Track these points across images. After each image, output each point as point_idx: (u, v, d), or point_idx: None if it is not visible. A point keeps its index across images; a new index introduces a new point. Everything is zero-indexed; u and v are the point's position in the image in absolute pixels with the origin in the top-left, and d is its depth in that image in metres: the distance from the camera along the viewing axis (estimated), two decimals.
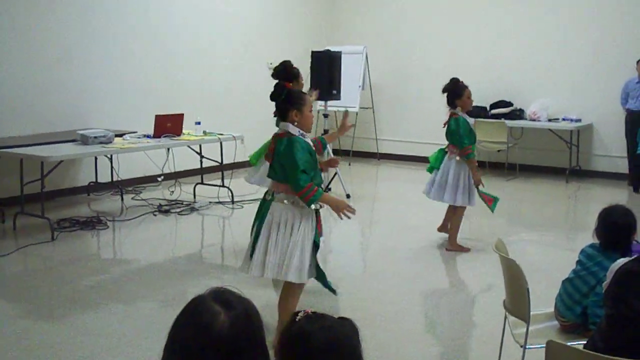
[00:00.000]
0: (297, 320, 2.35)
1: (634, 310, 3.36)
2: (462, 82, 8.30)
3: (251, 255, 5.33)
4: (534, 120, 13.06)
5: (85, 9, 10.84)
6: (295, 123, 5.25)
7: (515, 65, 13.48)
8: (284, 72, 8.10)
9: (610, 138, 12.84)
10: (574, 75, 13.01)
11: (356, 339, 2.36)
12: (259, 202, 5.54)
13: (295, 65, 8.31)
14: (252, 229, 5.48)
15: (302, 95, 5.40)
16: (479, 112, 12.78)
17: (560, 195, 11.95)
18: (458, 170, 8.18)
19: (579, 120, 12.84)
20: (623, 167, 12.50)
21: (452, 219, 8.44)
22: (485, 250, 8.33)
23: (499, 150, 13.06)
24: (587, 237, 8.92)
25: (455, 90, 8.20)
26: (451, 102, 8.22)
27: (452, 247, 8.35)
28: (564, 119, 12.95)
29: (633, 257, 3.59)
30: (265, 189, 5.62)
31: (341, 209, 5.25)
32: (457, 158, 8.16)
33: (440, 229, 8.73)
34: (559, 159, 13.17)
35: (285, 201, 5.25)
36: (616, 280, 3.49)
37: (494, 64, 13.54)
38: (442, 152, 8.42)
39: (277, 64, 8.39)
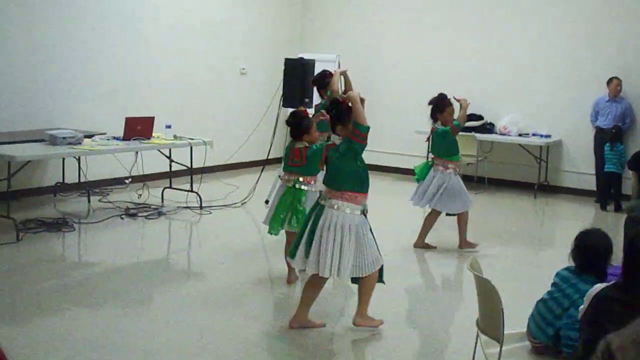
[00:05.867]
0: None
1: None
2: (448, 99, 8.65)
3: (306, 254, 5.84)
4: (504, 134, 13.09)
5: (55, 10, 10.71)
6: (340, 137, 5.84)
7: (486, 79, 13.51)
8: (319, 80, 8.74)
9: (579, 155, 12.91)
10: (545, 91, 13.06)
11: None
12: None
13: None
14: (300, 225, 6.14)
15: (349, 111, 5.77)
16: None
17: (528, 210, 11.99)
18: (447, 179, 8.54)
19: (548, 136, 12.90)
20: (591, 183, 12.56)
21: (460, 225, 8.80)
22: (447, 265, 8.36)
23: (468, 164, 13.06)
24: (554, 253, 9.08)
25: (439, 105, 8.57)
26: (433, 115, 8.59)
27: (465, 245, 8.83)
28: (533, 134, 13.00)
29: (610, 283, 3.58)
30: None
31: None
32: (448, 170, 8.54)
33: (418, 244, 8.88)
34: (527, 173, 13.21)
35: (336, 207, 5.72)
36: (593, 306, 3.48)
37: (465, 76, 13.56)
38: (428, 165, 8.79)
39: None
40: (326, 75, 8.60)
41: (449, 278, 8.34)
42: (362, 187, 5.83)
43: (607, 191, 11.92)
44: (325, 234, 5.70)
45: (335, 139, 5.92)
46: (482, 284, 4.43)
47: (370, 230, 5.91)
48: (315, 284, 6.06)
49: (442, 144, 8.62)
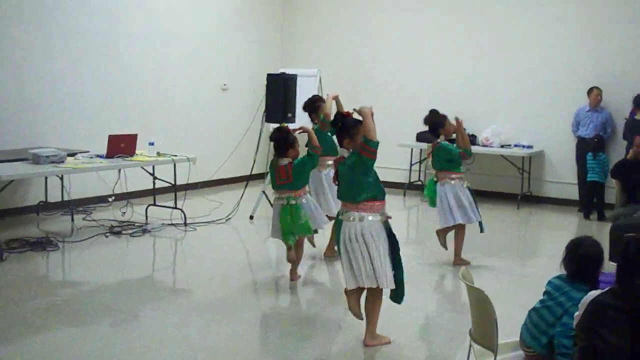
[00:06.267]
0: None
1: (606, 342, 3.36)
2: (439, 112, 8.79)
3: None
4: (486, 146, 13.15)
5: (38, 27, 10.67)
6: (348, 150, 5.92)
7: (467, 91, 13.58)
8: (310, 105, 8.81)
9: (561, 165, 12.98)
10: (526, 102, 13.15)
11: None
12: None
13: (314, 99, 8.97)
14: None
15: (357, 125, 5.83)
16: (432, 138, 12.80)
17: (511, 220, 12.03)
18: (454, 191, 8.58)
19: (530, 147, 12.97)
20: (574, 193, 12.63)
21: (460, 238, 8.78)
22: (438, 277, 8.38)
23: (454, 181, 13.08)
24: (540, 263, 9.12)
25: (438, 121, 8.66)
26: (435, 132, 8.67)
27: (459, 261, 8.73)
28: (515, 145, 13.06)
29: (604, 290, 3.58)
30: None
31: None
32: (452, 182, 8.60)
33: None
34: (510, 184, 13.27)
35: (351, 218, 5.76)
36: (588, 312, 3.49)
37: (446, 89, 13.63)
38: (433, 182, 8.79)
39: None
40: (317, 100, 8.82)
41: (438, 289, 8.33)
42: (376, 194, 5.84)
43: (590, 200, 11.99)
44: (349, 247, 5.76)
45: (344, 152, 5.98)
46: (474, 294, 4.43)
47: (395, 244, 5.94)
48: (369, 298, 6.01)
49: (447, 159, 8.62)
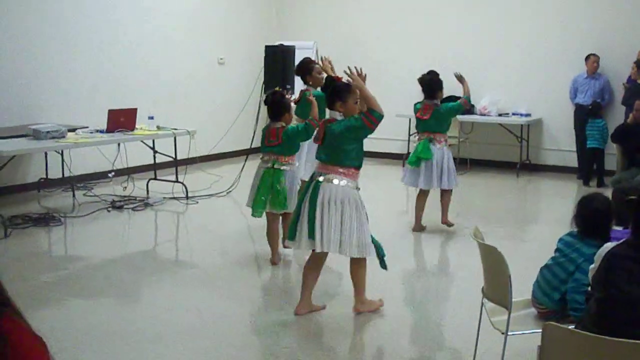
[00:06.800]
0: None
1: (624, 292, 3.38)
2: (438, 73, 8.82)
3: (310, 234, 5.70)
4: (484, 115, 13.15)
5: (35, 4, 10.61)
6: (340, 114, 5.88)
7: (464, 60, 13.48)
8: (301, 67, 8.68)
9: (559, 132, 13.00)
10: (523, 70, 13.14)
11: None
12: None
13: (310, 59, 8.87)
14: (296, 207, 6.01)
15: (348, 89, 5.77)
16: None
17: (511, 189, 12.06)
18: (449, 155, 8.69)
19: (528, 115, 12.97)
20: (573, 160, 12.66)
21: (445, 200, 8.86)
22: (440, 244, 8.43)
23: (450, 145, 13.09)
24: (539, 229, 9.17)
25: (439, 82, 8.67)
26: (431, 94, 8.61)
27: (446, 221, 8.88)
28: (513, 114, 13.06)
29: (620, 241, 3.60)
30: None
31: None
32: (446, 146, 8.67)
33: (416, 228, 8.85)
34: (509, 153, 13.28)
35: (334, 181, 5.67)
36: (605, 264, 3.51)
37: (443, 58, 13.54)
38: (428, 143, 8.61)
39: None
40: (309, 62, 8.68)
41: (444, 256, 8.38)
42: (359, 163, 5.82)
43: (589, 167, 12.01)
44: (326, 209, 5.64)
45: (336, 115, 5.91)
46: (487, 251, 4.45)
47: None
48: (315, 265, 6.02)
49: (447, 120, 8.69)
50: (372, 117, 5.63)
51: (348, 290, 6.33)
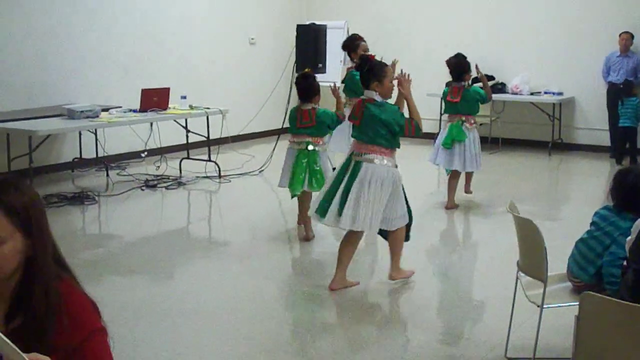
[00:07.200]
0: None
1: None
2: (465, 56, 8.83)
3: (340, 211, 5.80)
4: (515, 94, 13.10)
5: None
6: (377, 93, 5.83)
7: (496, 39, 13.47)
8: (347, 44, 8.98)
9: (592, 111, 12.91)
10: (556, 48, 13.03)
11: None
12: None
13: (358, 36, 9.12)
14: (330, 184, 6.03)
15: (384, 68, 5.87)
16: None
17: (543, 168, 12.02)
18: (478, 139, 8.90)
19: (560, 94, 12.89)
20: (605, 139, 12.56)
21: (469, 175, 9.15)
22: (472, 220, 8.44)
23: (481, 124, 13.04)
24: (571, 208, 9.16)
25: (466, 64, 8.69)
26: (459, 77, 8.70)
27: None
28: (545, 93, 12.98)
29: None
30: None
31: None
32: (476, 129, 8.90)
33: (450, 206, 8.89)
34: (541, 132, 13.21)
35: (376, 161, 5.77)
36: None
37: (475, 38, 13.51)
38: (461, 126, 8.70)
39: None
40: (356, 39, 8.90)
41: (477, 232, 8.40)
42: (398, 144, 5.94)
43: (622, 146, 11.93)
44: (366, 188, 5.72)
45: (372, 94, 5.88)
46: (523, 224, 4.46)
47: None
48: (351, 242, 6.06)
49: (476, 102, 8.74)
50: (413, 127, 5.84)
51: (381, 267, 6.37)
